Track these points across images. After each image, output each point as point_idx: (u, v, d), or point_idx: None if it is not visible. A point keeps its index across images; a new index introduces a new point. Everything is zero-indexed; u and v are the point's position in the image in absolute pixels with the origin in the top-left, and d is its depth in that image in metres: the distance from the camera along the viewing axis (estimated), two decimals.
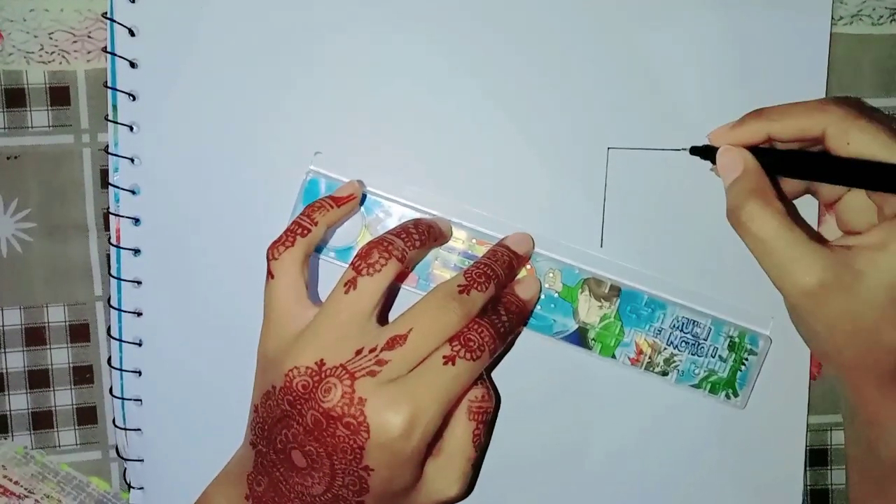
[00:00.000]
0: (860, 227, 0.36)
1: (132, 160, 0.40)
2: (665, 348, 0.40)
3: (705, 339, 0.40)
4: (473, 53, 0.40)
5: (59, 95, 0.41)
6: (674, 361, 0.40)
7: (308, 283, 0.37)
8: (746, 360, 0.40)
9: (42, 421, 0.42)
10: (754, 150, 0.36)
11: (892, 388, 0.35)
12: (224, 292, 0.41)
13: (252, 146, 0.40)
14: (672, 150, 0.39)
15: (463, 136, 0.40)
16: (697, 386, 0.40)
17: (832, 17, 0.40)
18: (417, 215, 0.40)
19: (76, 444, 0.42)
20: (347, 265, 0.35)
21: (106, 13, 0.40)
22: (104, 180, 0.41)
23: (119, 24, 0.40)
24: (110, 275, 0.41)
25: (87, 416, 0.42)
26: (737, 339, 0.40)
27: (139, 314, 0.41)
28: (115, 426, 0.42)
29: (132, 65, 0.40)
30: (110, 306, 0.41)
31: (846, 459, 0.39)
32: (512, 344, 0.40)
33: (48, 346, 0.42)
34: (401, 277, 0.39)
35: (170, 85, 0.40)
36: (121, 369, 0.41)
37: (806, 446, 0.41)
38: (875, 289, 0.33)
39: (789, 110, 0.35)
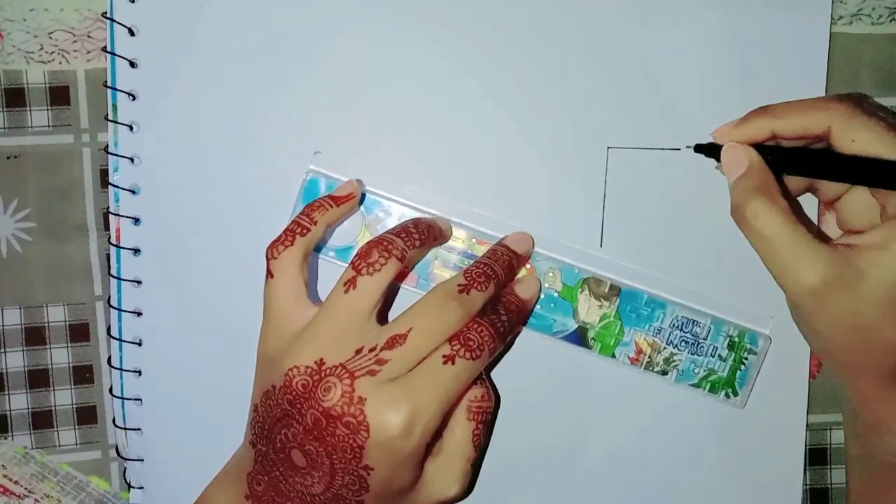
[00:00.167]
0: (860, 226, 0.36)
1: (132, 160, 0.40)
2: (665, 348, 0.40)
3: (705, 339, 0.40)
4: (473, 53, 0.40)
5: (59, 95, 0.41)
6: (673, 361, 0.40)
7: (307, 282, 0.37)
8: (746, 359, 0.40)
9: (42, 421, 0.42)
10: (759, 147, 0.36)
11: (892, 387, 0.35)
12: (224, 292, 0.41)
13: (252, 146, 0.40)
14: (672, 149, 0.39)
15: (463, 136, 0.40)
16: (697, 385, 0.40)
17: (832, 17, 0.40)
18: (417, 215, 0.40)
19: (76, 444, 0.42)
20: (347, 265, 0.35)
21: (106, 13, 0.40)
22: (104, 180, 0.41)
23: (119, 23, 0.40)
24: (110, 274, 0.41)
25: (87, 415, 0.42)
26: (736, 339, 0.40)
27: (139, 314, 0.41)
28: (115, 426, 0.42)
29: (132, 64, 0.40)
30: (110, 306, 0.41)
31: (846, 459, 0.39)
32: (512, 343, 0.40)
33: (48, 346, 0.42)
34: (401, 277, 0.39)
35: (170, 85, 0.40)
36: (121, 369, 0.41)
37: (805, 445, 0.41)
38: (877, 288, 0.33)
39: (794, 107, 0.35)
